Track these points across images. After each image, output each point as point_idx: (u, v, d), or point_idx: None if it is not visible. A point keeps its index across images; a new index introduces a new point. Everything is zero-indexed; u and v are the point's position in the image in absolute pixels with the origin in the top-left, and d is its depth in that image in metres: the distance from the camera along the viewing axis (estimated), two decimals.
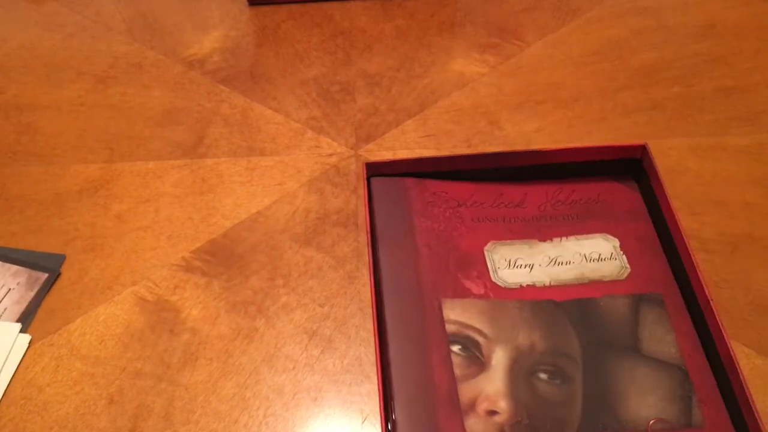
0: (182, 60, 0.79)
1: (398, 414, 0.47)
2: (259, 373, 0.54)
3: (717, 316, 0.48)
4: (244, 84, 0.76)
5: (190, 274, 0.60)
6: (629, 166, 0.60)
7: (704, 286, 0.50)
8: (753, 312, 0.56)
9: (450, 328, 0.52)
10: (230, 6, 0.85)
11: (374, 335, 0.50)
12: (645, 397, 0.48)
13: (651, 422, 0.47)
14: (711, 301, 0.49)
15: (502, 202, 0.59)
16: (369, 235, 0.56)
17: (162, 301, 0.58)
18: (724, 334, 0.47)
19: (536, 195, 0.60)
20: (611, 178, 0.60)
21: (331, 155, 0.69)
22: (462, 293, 0.54)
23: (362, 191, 0.58)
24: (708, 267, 0.59)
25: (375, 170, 0.60)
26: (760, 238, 0.61)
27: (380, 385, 0.47)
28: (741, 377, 0.46)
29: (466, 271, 0.55)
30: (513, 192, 0.60)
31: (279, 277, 0.60)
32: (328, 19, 0.83)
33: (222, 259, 0.61)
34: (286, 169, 0.68)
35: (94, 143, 0.71)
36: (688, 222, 0.62)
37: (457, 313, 0.52)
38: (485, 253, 0.56)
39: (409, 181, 0.60)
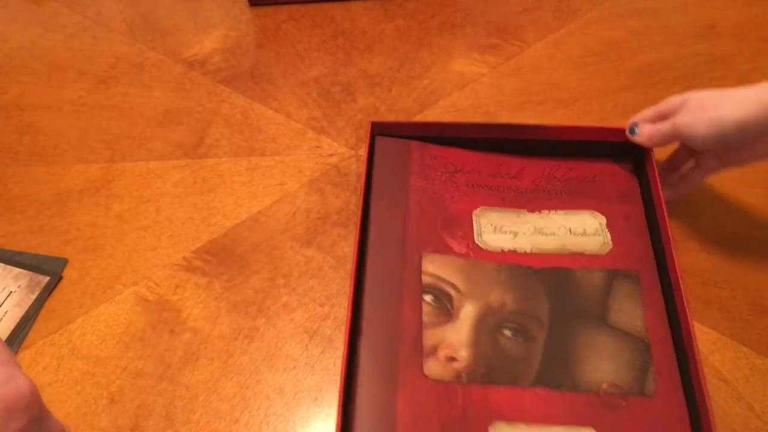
0: (183, 60, 0.79)
1: (362, 348, 0.49)
2: (259, 372, 0.54)
3: (684, 294, 0.49)
4: (244, 84, 0.76)
5: (191, 274, 0.60)
6: (628, 149, 0.61)
7: (676, 265, 0.51)
8: (753, 312, 0.56)
9: (426, 279, 0.53)
10: (231, 6, 0.85)
11: (352, 275, 0.51)
12: (602, 363, 0.50)
13: (603, 385, 0.48)
14: (681, 280, 0.50)
15: (499, 173, 0.60)
16: (363, 186, 0.57)
17: (163, 301, 0.59)
18: (688, 312, 0.49)
19: (534, 169, 0.61)
20: (609, 159, 0.61)
21: (331, 155, 0.69)
22: (444, 250, 0.55)
23: (365, 148, 0.60)
24: (708, 267, 0.59)
25: (380, 130, 0.61)
26: (760, 238, 0.61)
27: (350, 318, 0.49)
28: (696, 353, 0.47)
29: (452, 230, 0.56)
30: (511, 164, 0.61)
31: (280, 277, 0.60)
32: (328, 19, 0.83)
33: (223, 259, 0.61)
34: (287, 169, 0.68)
35: (95, 143, 0.71)
36: (688, 221, 0.62)
37: (435, 267, 0.54)
38: (473, 216, 0.58)
39: (412, 144, 0.61)
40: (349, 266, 0.60)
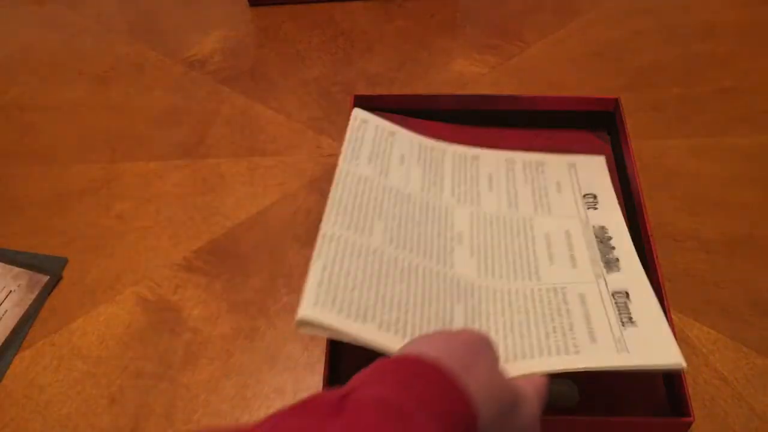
0: (183, 60, 0.79)
1: None
2: (260, 372, 0.54)
3: (654, 252, 0.53)
4: (245, 84, 0.76)
5: (192, 274, 0.60)
6: (604, 120, 0.64)
7: (647, 224, 0.54)
8: (753, 312, 0.56)
9: None
10: (231, 7, 0.85)
11: None
12: None
13: None
14: (651, 237, 0.54)
15: (478, 144, 0.63)
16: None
17: (163, 301, 0.59)
18: (658, 268, 0.52)
19: (512, 138, 0.64)
20: (585, 129, 0.64)
21: (331, 155, 0.69)
22: None
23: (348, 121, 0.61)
24: (708, 267, 0.59)
25: (363, 103, 0.63)
26: (760, 238, 0.61)
27: None
28: (666, 305, 0.50)
29: None
30: (490, 135, 0.64)
31: (280, 277, 0.60)
32: (328, 19, 0.83)
33: (223, 259, 0.61)
34: (287, 169, 0.68)
35: (95, 143, 0.71)
36: (688, 222, 0.62)
37: None
38: None
39: (394, 117, 0.63)
40: None
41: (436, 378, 0.33)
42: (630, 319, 0.48)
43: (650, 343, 0.45)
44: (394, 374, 0.33)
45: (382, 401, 0.30)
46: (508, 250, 0.53)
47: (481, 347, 0.37)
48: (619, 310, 0.48)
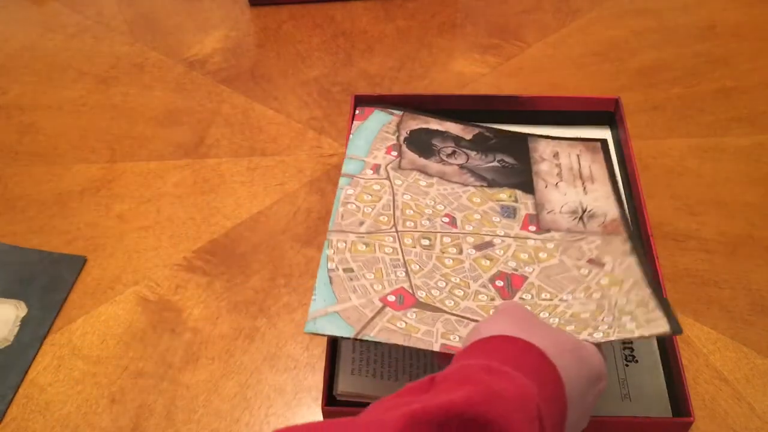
0: (184, 60, 0.79)
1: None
2: (260, 372, 0.54)
3: (654, 251, 0.53)
4: (245, 84, 0.76)
5: (192, 274, 0.60)
6: (604, 120, 0.64)
7: (647, 222, 0.55)
8: (753, 312, 0.56)
9: None
10: (231, 6, 0.85)
11: None
12: None
13: None
14: (651, 238, 0.53)
15: None
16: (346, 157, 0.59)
17: (164, 301, 0.59)
18: (658, 268, 0.52)
19: None
20: (586, 126, 0.64)
21: (332, 155, 0.69)
22: None
23: (348, 120, 0.62)
24: (708, 267, 0.59)
25: (363, 103, 0.64)
26: (760, 238, 0.61)
27: None
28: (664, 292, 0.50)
29: None
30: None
31: (280, 277, 0.60)
32: (329, 19, 0.83)
33: (223, 258, 0.61)
34: (288, 170, 0.68)
35: (95, 143, 0.71)
36: (688, 222, 0.62)
37: None
38: None
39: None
40: None
41: (521, 344, 0.36)
42: (632, 352, 0.50)
43: (647, 393, 0.48)
44: (477, 348, 0.37)
45: (469, 365, 0.34)
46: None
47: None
48: (623, 342, 0.50)
